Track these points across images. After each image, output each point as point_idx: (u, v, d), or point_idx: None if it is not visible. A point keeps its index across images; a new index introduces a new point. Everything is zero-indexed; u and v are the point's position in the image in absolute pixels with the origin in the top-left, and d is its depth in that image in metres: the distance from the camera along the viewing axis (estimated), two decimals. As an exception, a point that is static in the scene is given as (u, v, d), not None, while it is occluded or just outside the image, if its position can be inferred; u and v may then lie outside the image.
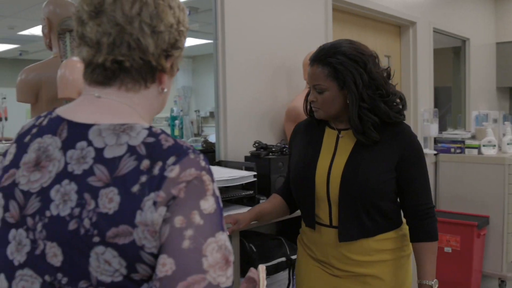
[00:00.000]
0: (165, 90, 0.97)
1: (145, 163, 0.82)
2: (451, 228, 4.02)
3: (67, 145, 0.87)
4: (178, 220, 0.80)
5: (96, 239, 0.80)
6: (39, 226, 0.86)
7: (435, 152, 4.39)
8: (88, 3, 0.91)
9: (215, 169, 2.30)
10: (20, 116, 4.85)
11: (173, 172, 0.81)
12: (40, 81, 1.94)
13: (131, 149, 0.83)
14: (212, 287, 0.79)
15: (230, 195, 2.20)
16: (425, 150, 4.25)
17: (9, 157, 0.96)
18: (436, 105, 4.62)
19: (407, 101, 3.91)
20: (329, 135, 1.85)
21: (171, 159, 0.82)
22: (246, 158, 2.50)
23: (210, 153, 2.63)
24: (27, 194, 0.89)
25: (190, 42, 3.43)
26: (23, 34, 6.68)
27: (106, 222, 0.80)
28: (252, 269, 1.23)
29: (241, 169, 2.33)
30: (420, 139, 4.21)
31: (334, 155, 1.80)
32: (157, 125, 7.55)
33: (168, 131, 6.81)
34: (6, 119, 6.57)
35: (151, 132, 0.87)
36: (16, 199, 0.90)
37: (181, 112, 6.70)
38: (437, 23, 4.45)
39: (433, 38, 4.43)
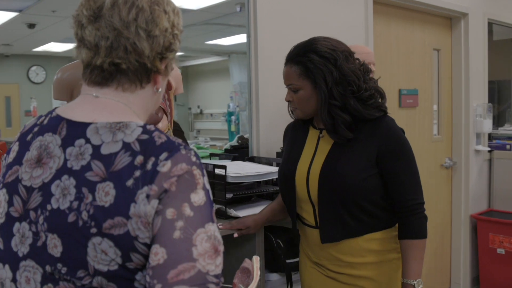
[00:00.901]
0: (160, 90, 1.02)
1: (139, 158, 0.87)
2: (505, 228, 3.84)
3: (66, 143, 0.92)
4: (170, 212, 0.85)
5: (94, 230, 0.85)
6: (41, 219, 0.91)
7: (489, 149, 4.20)
8: (87, 7, 0.95)
9: (246, 165, 2.32)
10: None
11: (165, 167, 0.86)
12: (74, 79, 2.02)
13: (126, 146, 0.88)
14: (202, 274, 0.84)
15: (260, 190, 2.21)
16: (478, 147, 4.08)
17: (13, 154, 1.02)
18: (494, 100, 4.42)
19: (459, 96, 3.83)
20: (312, 135, 1.84)
21: (164, 155, 0.87)
22: (278, 154, 2.51)
23: (244, 148, 2.65)
24: (29, 189, 0.94)
25: (245, 38, 3.44)
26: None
27: (103, 214, 0.85)
28: (246, 259, 1.25)
29: (271, 165, 2.34)
30: (472, 134, 4.04)
31: (314, 155, 1.78)
32: (215, 120, 7.61)
33: (225, 126, 6.89)
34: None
35: (145, 129, 0.91)
36: (19, 194, 0.96)
37: (237, 107, 6.76)
38: (492, 13, 4.25)
39: (491, 29, 4.23)
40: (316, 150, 1.79)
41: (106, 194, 0.86)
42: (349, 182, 1.67)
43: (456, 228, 4.08)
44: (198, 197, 0.87)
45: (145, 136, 0.90)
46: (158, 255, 0.84)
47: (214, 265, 0.86)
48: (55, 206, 0.89)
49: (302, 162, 1.80)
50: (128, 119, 0.94)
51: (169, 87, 2.00)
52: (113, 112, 0.95)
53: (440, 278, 4.02)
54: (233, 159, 2.55)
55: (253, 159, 2.50)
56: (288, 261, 2.19)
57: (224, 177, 2.10)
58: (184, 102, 8.45)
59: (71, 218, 0.87)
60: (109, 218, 0.85)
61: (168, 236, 0.84)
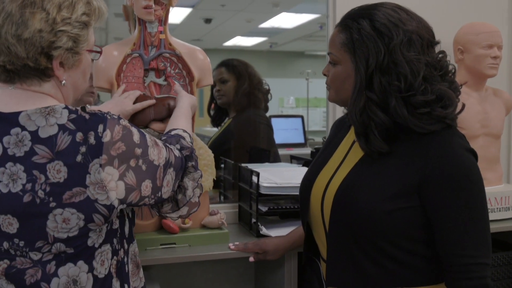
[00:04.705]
0: (63, 82, 1.09)
1: (79, 135, 1.01)
2: None
3: (1, 133, 1.02)
4: (132, 162, 1.06)
5: (53, 204, 0.99)
6: None
7: None
8: None
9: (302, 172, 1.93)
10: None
11: (107, 136, 1.02)
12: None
13: (62, 127, 1.01)
14: (160, 167, 1.14)
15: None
16: None
17: None
18: None
19: None
20: (349, 137, 1.39)
21: (101, 127, 1.02)
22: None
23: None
24: None
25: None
26: (264, 27, 7.02)
27: (60, 189, 0.99)
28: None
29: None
30: None
31: (340, 165, 1.34)
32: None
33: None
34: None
35: (69, 109, 1.03)
36: None
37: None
38: None
39: None
40: (344, 159, 1.35)
41: (58, 171, 0.99)
42: (364, 214, 1.20)
43: None
44: (136, 135, 1.09)
45: (73, 115, 1.02)
46: (147, 186, 1.10)
47: (162, 148, 1.16)
48: (4, 190, 1.00)
49: (324, 172, 1.37)
50: (52, 104, 1.05)
51: (191, 77, 1.73)
52: (36, 101, 1.05)
53: None
54: (304, 164, 2.17)
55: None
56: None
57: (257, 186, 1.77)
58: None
59: (26, 198, 0.99)
60: (68, 190, 0.99)
61: (141, 174, 1.08)
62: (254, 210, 1.80)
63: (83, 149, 1.00)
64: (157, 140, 1.16)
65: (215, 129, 2.79)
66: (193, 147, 1.27)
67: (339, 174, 1.31)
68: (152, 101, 1.60)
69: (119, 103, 1.57)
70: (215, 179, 1.76)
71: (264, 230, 1.75)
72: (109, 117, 1.05)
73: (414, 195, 1.19)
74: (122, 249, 1.13)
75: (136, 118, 1.62)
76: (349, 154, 1.34)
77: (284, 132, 4.16)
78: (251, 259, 1.64)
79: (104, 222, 1.04)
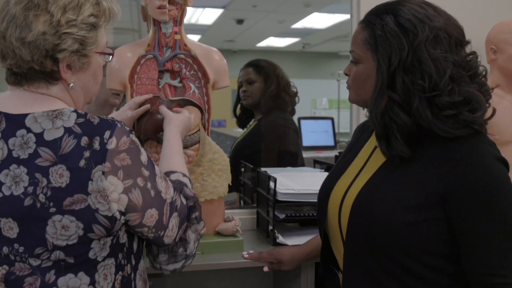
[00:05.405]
0: (71, 85, 1.07)
1: (84, 139, 0.98)
2: None
3: (7, 135, 1.00)
4: (140, 181, 1.02)
5: (53, 209, 0.96)
6: None
7: None
8: None
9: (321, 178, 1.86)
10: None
11: (112, 144, 0.99)
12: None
13: (68, 130, 0.98)
14: (172, 202, 1.10)
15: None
16: None
17: None
18: None
19: None
20: (371, 143, 1.31)
21: (107, 133, 0.99)
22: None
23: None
24: None
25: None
26: (296, 27, 6.95)
27: (61, 194, 0.96)
28: None
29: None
30: None
31: (360, 171, 1.26)
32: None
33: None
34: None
35: (78, 113, 1.02)
36: None
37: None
38: None
39: None
40: (364, 165, 1.28)
41: (60, 176, 0.96)
42: (382, 225, 1.13)
43: None
44: (144, 156, 1.05)
45: (81, 119, 1.00)
46: (153, 216, 1.04)
47: (170, 186, 1.12)
48: (7, 193, 0.98)
49: (344, 179, 1.30)
50: (60, 107, 1.03)
51: (206, 79, 1.67)
52: (43, 104, 1.03)
53: None
54: (327, 169, 2.09)
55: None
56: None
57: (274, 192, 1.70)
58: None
59: (27, 202, 0.96)
60: (68, 197, 0.96)
61: (148, 199, 1.03)
62: (271, 217, 1.73)
63: (87, 153, 0.97)
64: (167, 178, 1.12)
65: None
66: (195, 196, 1.21)
67: (358, 181, 1.24)
68: (147, 106, 1.53)
69: (120, 111, 1.53)
70: (230, 184, 1.70)
71: (280, 238, 1.68)
72: (119, 125, 1.02)
73: (438, 206, 1.09)
74: (129, 265, 1.09)
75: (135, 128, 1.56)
76: (370, 160, 1.27)
77: (314, 134, 4.06)
78: (265, 268, 1.57)
79: (106, 234, 1.00)
